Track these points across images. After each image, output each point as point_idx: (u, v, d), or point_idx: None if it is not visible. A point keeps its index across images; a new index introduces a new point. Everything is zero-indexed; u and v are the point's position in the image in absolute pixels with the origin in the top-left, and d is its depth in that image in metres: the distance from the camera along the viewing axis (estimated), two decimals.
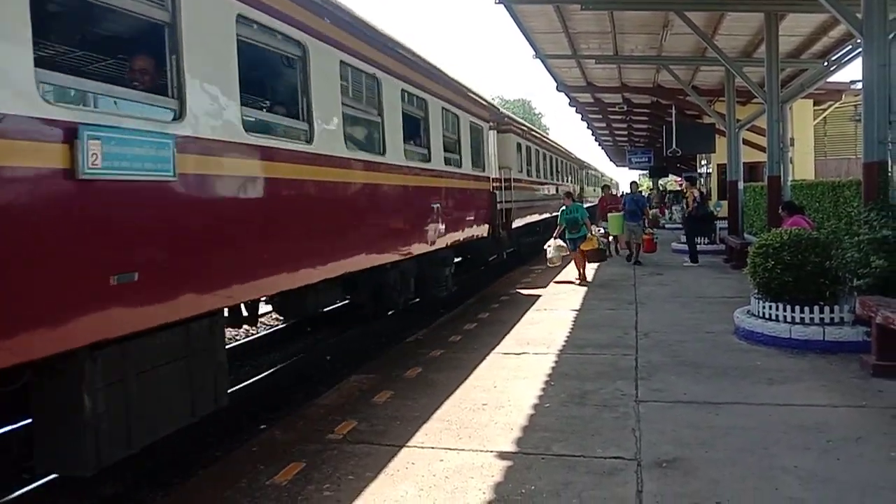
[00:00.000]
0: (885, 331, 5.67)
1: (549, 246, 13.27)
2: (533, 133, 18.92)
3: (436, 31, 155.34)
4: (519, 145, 16.03)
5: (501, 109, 15.47)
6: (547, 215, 18.72)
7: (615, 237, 16.81)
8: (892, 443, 4.29)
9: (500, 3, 11.92)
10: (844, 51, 13.50)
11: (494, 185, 13.10)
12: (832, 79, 16.78)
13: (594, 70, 17.78)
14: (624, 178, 77.37)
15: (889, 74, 7.12)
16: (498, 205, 13.14)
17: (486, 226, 12.08)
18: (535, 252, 18.22)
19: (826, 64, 14.15)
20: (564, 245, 13.00)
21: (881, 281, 6.26)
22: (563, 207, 12.94)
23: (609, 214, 16.50)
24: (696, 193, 15.73)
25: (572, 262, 13.32)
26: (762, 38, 12.33)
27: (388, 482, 4.04)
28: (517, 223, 15.15)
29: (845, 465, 3.99)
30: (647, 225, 15.06)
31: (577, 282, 12.24)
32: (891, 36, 7.09)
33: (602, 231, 16.90)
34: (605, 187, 20.41)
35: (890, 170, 7.12)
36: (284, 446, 4.71)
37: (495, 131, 14.08)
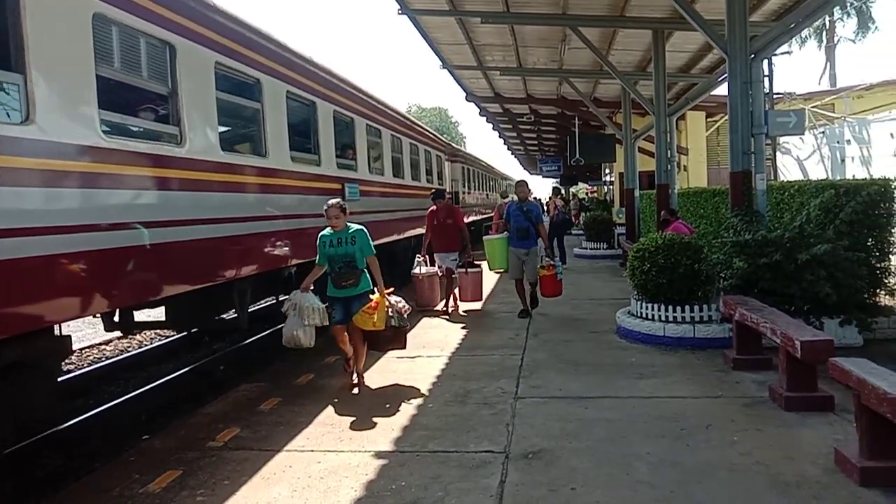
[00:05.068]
0: (742, 327, 6.15)
1: (289, 309, 6.36)
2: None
3: (353, 40, 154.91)
4: None
5: None
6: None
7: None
8: (737, 429, 4.70)
9: (402, 13, 12.15)
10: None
11: None
12: (724, 92, 17.88)
13: (500, 81, 18.27)
14: (540, 186, 78.53)
15: (751, 91, 7.75)
16: None
17: None
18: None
19: (714, 77, 15.07)
20: (321, 308, 6.37)
21: (742, 281, 6.80)
22: (326, 231, 6.20)
23: (485, 239, 9.61)
24: (559, 202, 18.01)
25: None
26: None
27: (263, 485, 4.11)
28: None
29: (692, 450, 4.34)
30: (545, 252, 9.40)
31: (351, 385, 6.21)
32: (751, 56, 7.71)
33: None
34: (437, 194, 10.27)
35: (752, 180, 7.73)
36: (163, 455, 4.68)
37: None
